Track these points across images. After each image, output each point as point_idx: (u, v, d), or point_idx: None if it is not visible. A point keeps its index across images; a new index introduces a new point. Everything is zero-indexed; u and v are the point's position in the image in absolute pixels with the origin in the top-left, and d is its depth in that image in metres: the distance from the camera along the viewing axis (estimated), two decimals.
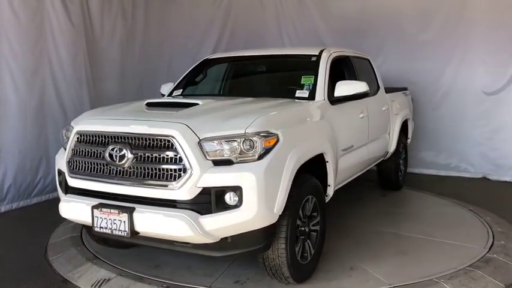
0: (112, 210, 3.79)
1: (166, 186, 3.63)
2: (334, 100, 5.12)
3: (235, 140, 3.66)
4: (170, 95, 6.10)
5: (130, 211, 3.71)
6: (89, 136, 4.06)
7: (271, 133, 3.80)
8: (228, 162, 3.64)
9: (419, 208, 6.94)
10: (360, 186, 7.60)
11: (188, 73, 6.31)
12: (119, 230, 3.77)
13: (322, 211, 4.53)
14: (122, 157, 3.78)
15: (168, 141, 3.64)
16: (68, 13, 7.62)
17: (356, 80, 5.80)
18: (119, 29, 8.84)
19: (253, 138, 3.67)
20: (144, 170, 3.71)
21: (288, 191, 3.83)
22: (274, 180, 3.71)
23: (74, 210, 4.13)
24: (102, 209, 3.85)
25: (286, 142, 3.87)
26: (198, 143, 3.63)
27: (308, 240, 4.34)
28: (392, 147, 7.08)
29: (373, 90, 6.68)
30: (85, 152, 4.07)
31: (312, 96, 5.03)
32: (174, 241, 3.83)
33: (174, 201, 3.65)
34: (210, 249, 3.81)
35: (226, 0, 10.24)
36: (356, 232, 5.71)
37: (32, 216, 6.70)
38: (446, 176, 8.83)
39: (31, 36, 7.06)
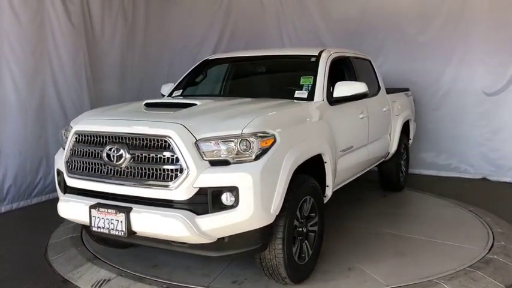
0: (109, 210, 3.80)
1: (163, 186, 3.63)
2: (333, 101, 5.12)
3: (232, 141, 3.66)
4: (170, 95, 6.12)
5: (127, 211, 3.72)
6: (87, 136, 4.07)
7: (268, 134, 3.79)
8: (224, 163, 3.65)
9: (419, 209, 6.94)
10: (361, 187, 7.60)
11: (188, 74, 6.32)
12: (116, 229, 3.77)
13: (321, 212, 4.52)
14: (120, 157, 3.79)
15: (165, 141, 3.65)
16: (69, 14, 7.63)
17: (356, 80, 5.79)
18: (119, 30, 8.85)
19: (250, 138, 3.67)
20: (142, 170, 3.72)
21: (285, 192, 3.83)
22: (270, 180, 3.71)
23: (72, 210, 4.14)
24: (100, 209, 3.86)
25: (283, 143, 3.87)
26: (195, 143, 3.64)
27: (306, 241, 4.33)
28: (393, 148, 7.06)
29: (374, 90, 6.68)
30: (83, 152, 4.08)
31: (310, 97, 5.02)
32: (171, 241, 3.84)
33: (171, 201, 3.66)
34: (207, 250, 3.81)
35: (226, 1, 10.25)
36: (355, 233, 5.70)
37: (32, 216, 6.70)
38: (446, 177, 8.81)
39: (31, 37, 7.07)
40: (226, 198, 3.58)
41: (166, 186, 3.61)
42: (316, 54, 5.54)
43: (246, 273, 4.49)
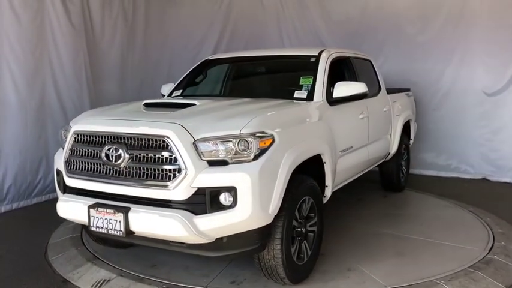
0: (108, 210, 3.80)
1: (161, 186, 3.63)
2: (333, 101, 5.11)
3: (231, 141, 3.66)
4: (170, 95, 6.12)
5: (125, 211, 3.72)
6: (86, 136, 4.08)
7: (266, 134, 3.79)
8: (223, 163, 3.65)
9: (419, 209, 6.92)
10: (361, 187, 7.60)
11: (188, 74, 6.33)
12: (115, 229, 3.78)
13: (320, 212, 4.52)
14: (118, 157, 3.79)
15: (163, 141, 3.65)
16: (69, 14, 7.64)
17: (356, 81, 5.78)
18: (119, 30, 8.85)
19: (248, 138, 3.67)
20: (140, 170, 3.72)
21: (284, 192, 3.82)
22: (269, 180, 3.70)
23: (71, 209, 4.14)
24: (98, 209, 3.86)
25: (282, 143, 3.87)
26: (193, 143, 3.64)
27: (305, 241, 4.33)
28: (393, 149, 7.05)
29: (374, 91, 6.67)
30: (82, 152, 4.08)
31: (310, 97, 5.02)
32: (170, 241, 3.84)
33: (169, 201, 3.66)
34: (206, 250, 3.81)
35: (226, 1, 10.25)
36: (355, 233, 5.69)
37: (32, 216, 6.71)
38: (446, 177, 8.81)
39: (31, 37, 7.07)
40: (225, 198, 3.58)
41: (165, 186, 3.61)
42: (316, 55, 5.53)
43: (245, 273, 4.48)
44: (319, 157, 4.53)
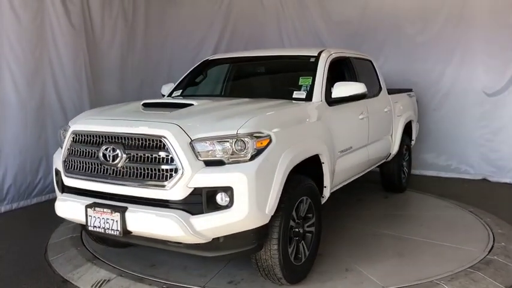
0: (105, 210, 3.82)
1: (158, 186, 3.64)
2: (332, 101, 5.10)
3: (227, 141, 3.66)
4: (170, 95, 6.12)
5: (122, 210, 3.73)
6: (84, 136, 4.09)
7: (263, 134, 3.79)
8: (219, 163, 3.65)
9: (419, 210, 6.91)
10: (362, 188, 7.59)
11: (188, 74, 6.34)
12: (112, 229, 3.79)
13: (318, 212, 4.51)
14: (115, 157, 3.80)
15: (160, 141, 3.66)
16: (69, 14, 7.65)
17: (356, 81, 5.76)
18: (119, 30, 8.86)
19: (245, 139, 3.67)
20: (137, 170, 3.73)
21: (281, 192, 3.82)
22: (265, 181, 3.70)
23: (69, 209, 4.17)
24: (96, 208, 3.88)
25: (279, 143, 3.87)
26: (190, 143, 3.64)
27: (303, 242, 4.32)
28: (394, 149, 7.03)
29: (375, 91, 6.67)
30: (80, 152, 4.10)
31: (309, 97, 5.01)
32: (167, 241, 3.84)
33: (166, 201, 3.67)
34: (202, 250, 3.82)
35: (226, 1, 10.26)
36: (354, 234, 5.68)
37: (32, 216, 6.71)
38: (446, 178, 8.80)
39: (32, 37, 7.08)
40: (221, 198, 3.58)
41: (162, 186, 3.62)
42: (316, 55, 5.52)
43: (242, 273, 4.48)
44: (317, 157, 4.52)
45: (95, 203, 3.93)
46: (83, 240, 5.45)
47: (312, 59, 5.48)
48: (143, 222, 3.69)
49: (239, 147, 3.66)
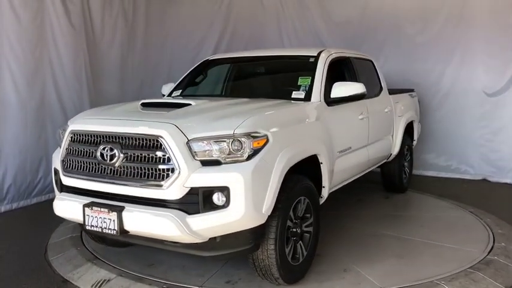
0: (102, 209, 3.83)
1: (155, 185, 3.65)
2: (331, 101, 5.09)
3: (224, 141, 3.67)
4: (170, 95, 6.13)
5: (119, 210, 3.74)
6: (82, 135, 4.11)
7: (260, 134, 3.79)
8: (216, 163, 3.65)
9: (420, 210, 6.90)
10: (363, 188, 7.59)
11: (188, 74, 6.34)
12: (109, 228, 3.80)
13: (316, 212, 4.50)
14: (113, 156, 3.82)
15: (157, 141, 3.67)
16: (69, 14, 7.66)
17: (356, 81, 5.74)
18: (119, 30, 8.87)
19: (242, 138, 3.67)
20: (134, 169, 3.74)
21: (277, 192, 3.82)
22: (262, 181, 3.70)
23: (67, 208, 4.18)
24: (93, 208, 3.89)
25: (276, 143, 3.87)
26: (187, 143, 3.65)
27: (300, 242, 4.31)
28: (395, 150, 7.02)
29: (376, 91, 6.66)
30: (78, 151, 4.11)
31: (308, 97, 5.01)
32: (165, 240, 3.84)
33: (163, 200, 3.67)
34: (199, 249, 3.82)
35: (226, 1, 10.26)
36: (353, 234, 5.67)
37: (32, 216, 6.73)
38: (446, 178, 8.79)
39: (32, 37, 7.09)
40: (218, 198, 3.59)
41: (159, 185, 3.63)
42: (315, 55, 5.51)
43: (240, 273, 4.48)
44: (315, 158, 4.51)
45: (92, 202, 3.94)
46: (83, 240, 5.46)
47: (312, 59, 5.47)
48: (140, 222, 3.69)
49: (236, 147, 3.66)
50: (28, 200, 7.19)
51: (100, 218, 3.84)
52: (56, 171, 4.45)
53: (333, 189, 5.17)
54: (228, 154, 3.66)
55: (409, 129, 7.54)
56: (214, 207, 3.60)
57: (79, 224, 4.33)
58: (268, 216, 3.79)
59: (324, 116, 4.88)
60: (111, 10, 8.64)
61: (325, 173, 4.66)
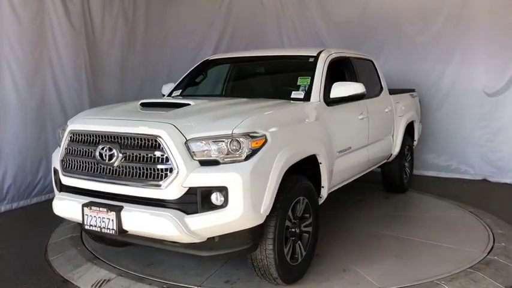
0: (101, 209, 3.83)
1: (153, 185, 3.65)
2: (330, 101, 5.08)
3: (223, 141, 3.67)
4: (170, 95, 6.13)
5: (118, 210, 3.75)
6: (81, 135, 4.12)
7: (258, 134, 3.79)
8: (214, 163, 3.66)
9: (420, 210, 6.89)
10: (363, 188, 7.59)
11: (188, 74, 6.35)
12: (107, 228, 3.80)
13: (315, 212, 4.50)
14: (111, 156, 3.83)
15: (156, 141, 3.67)
16: (69, 14, 7.66)
17: (356, 81, 5.73)
18: (119, 30, 8.87)
19: (240, 138, 3.67)
20: (133, 169, 3.75)
21: (276, 192, 3.82)
22: (260, 181, 3.70)
23: (66, 208, 4.19)
24: (92, 207, 3.90)
25: (274, 143, 3.87)
26: (185, 143, 3.65)
27: (299, 242, 4.31)
28: (396, 150, 7.01)
29: (376, 91, 6.65)
30: (77, 151, 4.12)
31: (307, 97, 5.00)
32: (164, 240, 3.84)
33: (162, 200, 3.67)
34: (198, 249, 3.82)
35: (226, 1, 10.26)
36: (353, 234, 5.66)
37: (32, 216, 6.73)
38: (446, 178, 8.79)
39: (32, 37, 7.10)
40: (216, 198, 3.59)
41: (157, 185, 3.63)
42: (315, 55, 5.51)
43: (239, 273, 4.49)
44: (314, 158, 4.51)
45: (91, 202, 3.95)
46: (83, 240, 5.46)
47: (311, 59, 5.47)
48: (138, 222, 3.70)
49: (234, 147, 3.66)
50: (28, 200, 7.20)
51: (99, 217, 3.84)
52: (56, 171, 4.47)
53: (333, 189, 5.17)
54: (227, 154, 3.66)
55: (409, 129, 7.54)
56: (213, 207, 3.60)
57: (79, 223, 4.34)
58: (267, 216, 3.79)
59: (323, 116, 4.88)
60: (111, 10, 8.65)
61: (325, 173, 4.65)
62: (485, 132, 8.57)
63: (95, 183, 3.98)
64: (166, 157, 3.61)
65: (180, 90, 6.13)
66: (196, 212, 3.59)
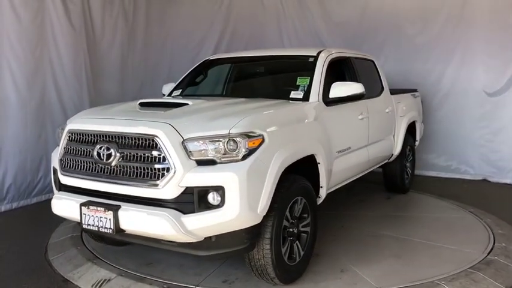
0: (98, 208, 3.85)
1: (150, 185, 3.66)
2: (329, 101, 5.08)
3: (220, 140, 3.67)
4: (170, 95, 6.14)
5: (115, 209, 3.76)
6: (80, 135, 4.14)
7: (255, 134, 3.79)
8: (211, 162, 3.66)
9: (420, 211, 6.87)
10: (365, 189, 7.59)
11: (188, 73, 6.35)
12: (105, 227, 3.82)
13: (313, 212, 4.49)
14: (109, 156, 3.84)
15: (153, 140, 3.68)
16: (69, 14, 7.68)
17: (357, 81, 5.71)
18: (119, 30, 8.88)
19: (237, 138, 3.67)
20: (130, 168, 3.76)
21: (273, 192, 3.81)
22: (257, 180, 3.70)
23: (65, 207, 4.21)
24: (90, 207, 3.91)
25: (272, 143, 3.87)
26: (182, 142, 3.66)
27: (297, 242, 4.31)
28: (397, 150, 7.00)
29: (377, 91, 6.64)
30: (76, 151, 4.14)
31: (306, 97, 4.99)
32: (161, 239, 3.85)
33: (159, 200, 3.68)
34: (195, 248, 3.82)
35: (226, 1, 10.27)
36: (352, 234, 5.66)
37: (32, 216, 6.73)
38: (446, 178, 8.79)
39: (32, 37, 7.12)
40: (213, 197, 3.59)
41: (154, 185, 3.64)
42: (315, 55, 5.50)
43: (237, 272, 4.49)
44: (313, 158, 4.51)
45: (89, 201, 3.96)
46: (83, 240, 5.46)
47: (311, 59, 5.46)
48: (135, 221, 3.70)
49: (231, 147, 3.66)
50: (28, 200, 7.21)
51: (96, 216, 3.85)
52: (55, 170, 4.48)
53: (332, 189, 5.17)
54: (224, 154, 3.66)
55: (411, 130, 7.52)
56: (209, 207, 3.60)
57: (78, 223, 4.35)
58: (264, 215, 3.79)
59: (322, 116, 4.87)
60: (111, 10, 8.66)
61: (323, 173, 4.65)
62: (485, 132, 8.56)
63: (93, 183, 3.99)
64: (163, 157, 3.62)
65: (180, 90, 6.13)
66: (193, 212, 3.60)
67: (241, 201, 3.56)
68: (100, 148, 3.88)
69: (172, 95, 6.11)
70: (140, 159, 3.72)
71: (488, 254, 4.96)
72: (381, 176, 7.52)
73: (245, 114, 4.00)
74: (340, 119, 5.28)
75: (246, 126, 3.77)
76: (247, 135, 3.72)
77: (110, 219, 3.77)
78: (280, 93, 5.33)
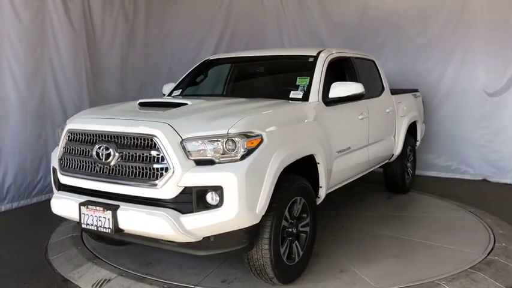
0: (97, 208, 3.85)
1: (149, 184, 3.66)
2: (329, 101, 5.07)
3: (218, 140, 3.67)
4: (170, 94, 6.15)
5: (114, 209, 3.76)
6: (79, 135, 4.15)
7: (254, 134, 3.79)
8: (210, 162, 3.66)
9: (420, 211, 6.87)
10: (365, 189, 7.59)
11: (188, 73, 6.36)
12: (104, 227, 3.82)
13: (313, 212, 4.49)
14: (108, 155, 3.84)
15: (152, 140, 3.68)
16: (69, 14, 7.68)
17: (357, 81, 5.70)
18: (120, 30, 8.88)
19: (236, 138, 3.67)
20: (129, 168, 3.76)
21: (272, 192, 3.81)
22: (256, 180, 3.70)
23: (64, 207, 4.21)
24: (89, 206, 3.91)
25: (270, 143, 3.87)
26: (181, 142, 3.66)
27: (296, 242, 4.30)
28: (398, 150, 6.99)
29: (377, 91, 6.63)
30: (75, 150, 4.14)
31: (306, 97, 4.99)
32: (160, 239, 3.85)
33: (158, 199, 3.68)
34: (194, 248, 3.82)
35: (226, 1, 10.27)
36: (352, 234, 5.65)
37: (32, 215, 6.73)
38: (446, 178, 8.78)
39: (32, 37, 7.12)
40: (211, 197, 3.60)
41: (153, 184, 3.64)
42: (315, 55, 5.49)
43: (236, 272, 4.49)
44: (312, 158, 4.50)
45: (88, 201, 3.96)
46: (83, 240, 5.47)
47: (311, 59, 5.45)
48: (134, 221, 3.71)
49: (230, 147, 3.67)
50: (28, 200, 7.21)
51: (95, 216, 3.86)
52: (54, 170, 4.48)
53: (332, 189, 5.17)
54: (222, 154, 3.66)
55: (412, 130, 7.52)
56: (208, 207, 3.60)
57: (77, 222, 4.36)
58: (263, 215, 3.79)
59: (321, 116, 4.86)
60: (111, 10, 8.67)
61: (322, 173, 4.64)
62: (485, 132, 8.55)
63: (92, 182, 4.00)
64: (162, 156, 3.62)
65: (180, 90, 6.13)
66: (192, 212, 3.60)
67: (239, 201, 3.55)
68: (99, 148, 3.88)
69: (173, 95, 6.11)
70: (139, 159, 3.72)
71: (489, 254, 4.95)
72: (382, 176, 7.51)
73: (244, 114, 3.99)
74: (340, 119, 5.28)
75: (245, 126, 3.77)
76: (245, 135, 3.72)
77: (108, 219, 3.77)
78: (280, 93, 5.32)
